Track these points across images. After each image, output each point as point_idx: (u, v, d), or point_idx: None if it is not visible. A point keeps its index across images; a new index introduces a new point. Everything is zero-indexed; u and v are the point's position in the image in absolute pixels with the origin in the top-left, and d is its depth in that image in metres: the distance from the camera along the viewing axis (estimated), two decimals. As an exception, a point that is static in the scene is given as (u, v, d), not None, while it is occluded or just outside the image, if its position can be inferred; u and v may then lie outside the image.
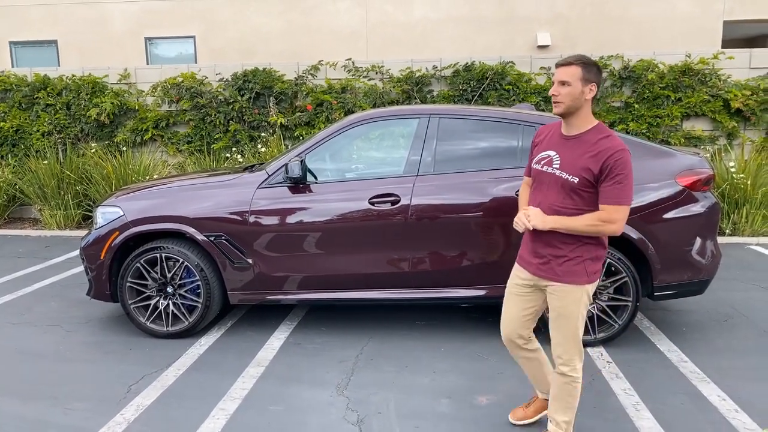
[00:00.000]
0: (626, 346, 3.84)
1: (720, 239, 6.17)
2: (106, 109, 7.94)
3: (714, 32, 10.14)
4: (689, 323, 4.26)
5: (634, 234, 3.71)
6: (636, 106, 7.40)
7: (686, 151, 4.04)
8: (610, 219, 2.30)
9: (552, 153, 2.44)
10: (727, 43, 11.35)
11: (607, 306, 3.78)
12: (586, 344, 3.79)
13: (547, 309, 2.54)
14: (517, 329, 2.63)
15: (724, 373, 3.46)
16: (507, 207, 3.75)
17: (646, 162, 3.83)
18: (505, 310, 2.65)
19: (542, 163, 2.46)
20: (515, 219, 2.47)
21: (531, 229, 2.41)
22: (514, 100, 7.47)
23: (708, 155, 7.27)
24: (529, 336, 2.68)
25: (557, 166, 2.39)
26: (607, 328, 3.80)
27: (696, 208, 3.77)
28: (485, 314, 4.44)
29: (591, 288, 2.46)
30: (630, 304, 3.74)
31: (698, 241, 3.80)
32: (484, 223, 3.79)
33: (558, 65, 2.37)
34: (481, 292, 3.87)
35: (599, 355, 3.70)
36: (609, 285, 3.76)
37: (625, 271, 3.70)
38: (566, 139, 2.42)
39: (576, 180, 2.33)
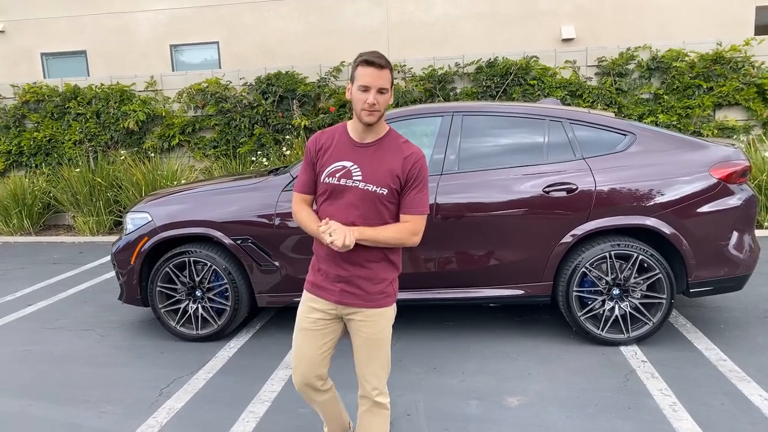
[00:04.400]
0: (661, 344, 3.73)
1: (758, 233, 5.96)
2: (138, 118, 8.10)
3: (746, 19, 9.82)
4: (727, 320, 4.12)
5: (666, 229, 3.61)
6: (665, 97, 7.21)
7: (720, 142, 3.91)
8: (417, 230, 2.13)
9: (347, 164, 2.10)
10: (761, 29, 10.98)
11: (641, 303, 3.68)
12: (618, 343, 3.70)
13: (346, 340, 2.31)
14: (316, 369, 2.26)
15: (765, 371, 3.33)
16: (535, 204, 3.69)
17: (678, 155, 3.72)
18: (299, 350, 2.26)
19: (337, 175, 2.10)
20: (331, 239, 1.96)
21: (347, 245, 1.98)
22: (539, 95, 7.36)
23: (743, 146, 7.04)
24: (326, 375, 2.35)
25: (359, 178, 2.08)
26: (640, 327, 3.69)
27: (732, 201, 3.64)
28: (513, 314, 4.38)
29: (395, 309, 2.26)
30: (664, 301, 3.63)
31: (735, 235, 3.67)
32: (512, 221, 3.72)
33: (372, 65, 2.00)
34: (518, 292, 3.81)
35: (633, 354, 3.61)
36: (642, 282, 3.66)
37: (658, 268, 3.60)
38: (362, 147, 2.12)
39: (385, 191, 2.08)
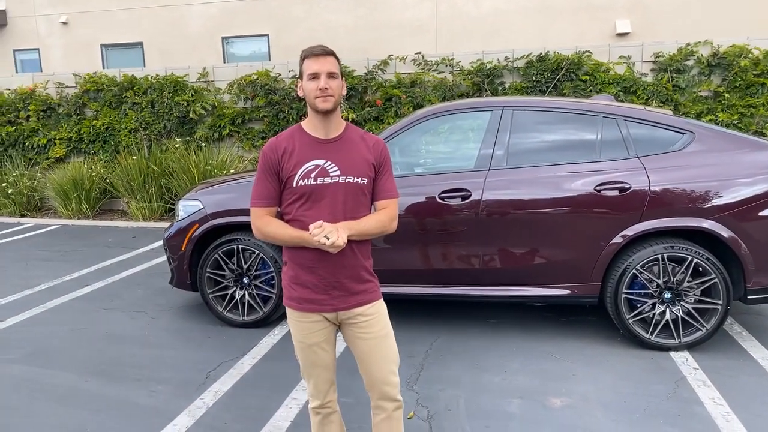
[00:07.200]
0: (715, 352, 3.60)
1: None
2: (205, 107, 8.36)
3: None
4: (787, 330, 3.93)
5: (724, 232, 3.47)
6: (726, 95, 6.90)
7: (786, 143, 3.72)
8: (396, 215, 2.14)
9: (320, 162, 2.05)
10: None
11: (694, 308, 3.55)
12: (669, 348, 3.59)
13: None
14: (333, 376, 2.22)
15: (828, 385, 3.17)
16: (585, 202, 3.61)
17: (739, 155, 3.56)
18: (314, 365, 2.16)
19: (313, 175, 2.04)
20: (330, 240, 1.90)
21: (341, 246, 1.94)
22: (591, 91, 7.17)
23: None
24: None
25: (337, 172, 2.04)
26: (693, 332, 3.57)
27: (797, 205, 3.46)
28: (558, 313, 4.30)
29: None
30: (719, 307, 3.49)
31: (799, 241, 3.49)
32: (561, 219, 3.65)
33: (317, 54, 2.03)
34: (565, 292, 3.74)
35: (684, 360, 3.49)
36: (695, 286, 3.53)
37: (714, 272, 3.47)
38: (329, 142, 2.09)
39: (365, 181, 2.08)
